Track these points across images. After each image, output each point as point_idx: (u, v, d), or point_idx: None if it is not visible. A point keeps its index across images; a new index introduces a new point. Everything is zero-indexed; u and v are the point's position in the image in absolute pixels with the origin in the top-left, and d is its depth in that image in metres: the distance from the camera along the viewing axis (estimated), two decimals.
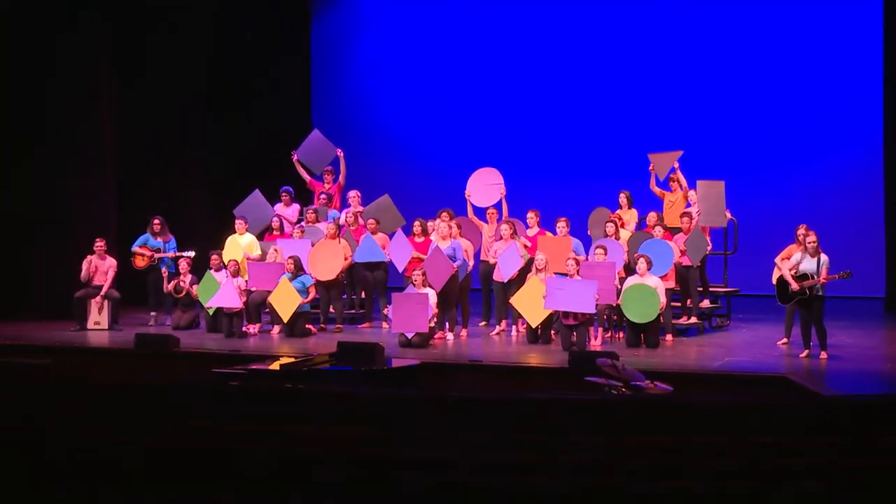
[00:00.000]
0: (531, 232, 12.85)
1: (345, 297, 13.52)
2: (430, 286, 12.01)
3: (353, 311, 13.60)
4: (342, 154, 14.20)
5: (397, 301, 11.75)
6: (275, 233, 13.70)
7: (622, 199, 13.30)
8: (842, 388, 9.37)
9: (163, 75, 15.76)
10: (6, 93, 14.19)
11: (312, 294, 12.67)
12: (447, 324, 12.37)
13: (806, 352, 10.80)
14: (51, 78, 14.17)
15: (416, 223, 13.06)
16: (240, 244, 13.38)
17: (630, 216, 13.20)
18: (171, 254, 13.50)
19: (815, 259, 10.70)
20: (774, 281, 11.75)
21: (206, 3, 16.46)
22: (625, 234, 12.76)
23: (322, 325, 12.97)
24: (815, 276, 10.65)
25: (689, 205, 12.88)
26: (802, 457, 5.76)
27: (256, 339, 12.51)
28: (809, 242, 10.84)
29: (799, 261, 10.80)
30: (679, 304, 12.58)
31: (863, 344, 11.80)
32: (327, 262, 12.91)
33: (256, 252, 13.36)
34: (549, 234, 12.78)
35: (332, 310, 13.06)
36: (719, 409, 6.80)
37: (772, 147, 16.16)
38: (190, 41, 16.13)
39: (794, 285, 10.75)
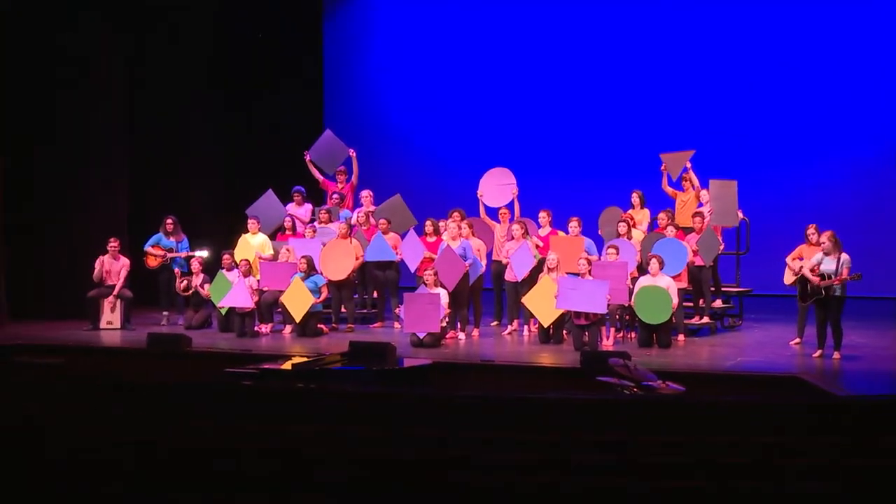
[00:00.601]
0: (543, 231, 12.83)
1: (356, 296, 13.52)
2: (442, 286, 12.01)
3: (365, 311, 13.60)
4: (355, 154, 14.21)
5: (409, 301, 11.75)
6: (287, 232, 13.72)
7: (634, 198, 13.27)
8: (855, 389, 9.33)
9: (166, 75, 15.80)
10: (6, 93, 14.22)
11: (324, 294, 12.68)
12: (459, 323, 12.36)
13: (819, 352, 10.75)
14: (52, 78, 14.21)
15: (428, 223, 13.06)
16: (251, 244, 13.39)
17: (642, 216, 13.16)
18: (183, 253, 13.52)
19: (836, 258, 10.63)
20: (786, 281, 11.71)
21: (206, 3, 16.49)
22: (637, 233, 12.73)
23: (334, 325, 12.98)
24: (834, 276, 10.59)
25: (701, 204, 12.84)
26: (809, 457, 5.74)
27: (268, 338, 12.52)
28: (822, 242, 10.80)
29: (819, 260, 10.74)
30: (691, 304, 12.55)
31: (875, 344, 11.75)
32: (339, 261, 12.92)
33: (269, 252, 13.37)
34: (561, 233, 12.77)
35: (343, 309, 13.07)
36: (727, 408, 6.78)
37: (784, 147, 16.09)
38: (192, 41, 16.17)
39: (815, 280, 10.68)
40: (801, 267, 11.10)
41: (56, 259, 14.22)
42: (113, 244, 13.18)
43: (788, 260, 11.69)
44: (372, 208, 13.66)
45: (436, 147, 17.55)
